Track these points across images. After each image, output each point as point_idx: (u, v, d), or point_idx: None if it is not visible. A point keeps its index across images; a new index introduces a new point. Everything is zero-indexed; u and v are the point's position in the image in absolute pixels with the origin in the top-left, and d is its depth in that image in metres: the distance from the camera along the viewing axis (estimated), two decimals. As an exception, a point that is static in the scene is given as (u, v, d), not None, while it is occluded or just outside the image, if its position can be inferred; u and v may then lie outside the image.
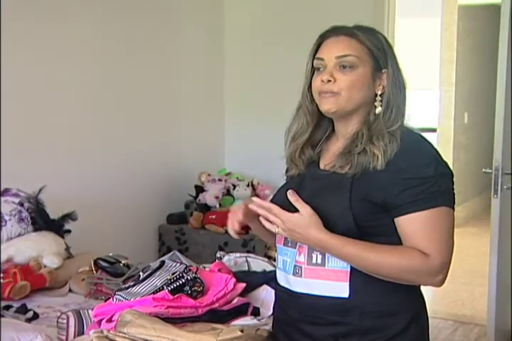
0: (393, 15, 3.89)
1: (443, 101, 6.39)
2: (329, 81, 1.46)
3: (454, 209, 1.44)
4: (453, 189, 1.44)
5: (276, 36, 4.17)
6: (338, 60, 1.47)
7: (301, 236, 1.40)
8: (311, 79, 1.53)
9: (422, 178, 1.39)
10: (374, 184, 1.41)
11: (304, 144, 1.57)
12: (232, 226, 1.59)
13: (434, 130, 6.35)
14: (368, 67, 1.48)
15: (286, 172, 1.64)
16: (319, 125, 1.57)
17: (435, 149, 1.46)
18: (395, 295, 1.46)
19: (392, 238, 1.43)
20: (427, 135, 1.50)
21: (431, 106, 6.49)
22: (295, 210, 1.41)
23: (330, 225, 1.41)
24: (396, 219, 1.42)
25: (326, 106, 1.48)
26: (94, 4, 3.44)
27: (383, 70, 1.49)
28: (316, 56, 1.51)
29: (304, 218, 1.39)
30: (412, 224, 1.40)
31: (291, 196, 1.41)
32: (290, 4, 4.13)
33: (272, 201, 1.57)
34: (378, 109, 1.48)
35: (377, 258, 1.39)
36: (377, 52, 1.48)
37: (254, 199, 1.45)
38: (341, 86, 1.46)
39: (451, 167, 1.48)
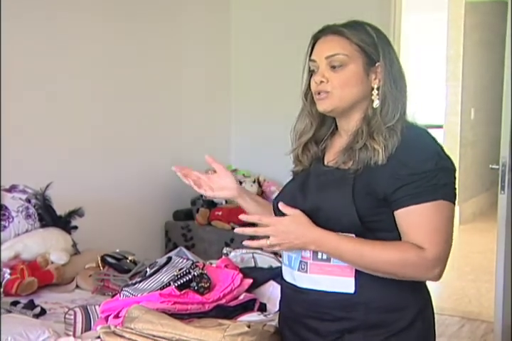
0: (400, 11, 3.87)
1: (449, 97, 6.36)
2: (322, 82, 1.48)
3: (454, 204, 1.44)
4: (454, 183, 1.44)
5: (282, 34, 4.17)
6: (327, 60, 1.49)
7: (295, 237, 1.41)
8: (309, 81, 1.55)
9: (422, 173, 1.39)
10: (376, 178, 1.42)
11: (308, 141, 1.59)
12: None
13: (440, 126, 6.33)
14: (360, 63, 1.48)
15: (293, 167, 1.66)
16: (323, 123, 1.60)
17: (438, 144, 1.46)
18: (401, 291, 1.46)
19: (395, 233, 1.43)
20: (433, 131, 1.50)
21: (437, 102, 6.46)
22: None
23: (334, 220, 1.42)
24: (395, 213, 1.42)
25: (322, 106, 1.51)
26: (106, 3, 3.45)
27: (377, 64, 1.49)
28: (310, 58, 1.53)
29: (294, 217, 1.43)
30: (408, 217, 1.40)
31: (282, 207, 1.45)
32: (296, 2, 4.12)
33: (277, 198, 1.60)
34: (375, 103, 1.49)
35: (373, 253, 1.39)
36: (367, 46, 1.48)
37: (241, 216, 1.48)
38: (334, 85, 1.48)
39: (457, 163, 1.48)
